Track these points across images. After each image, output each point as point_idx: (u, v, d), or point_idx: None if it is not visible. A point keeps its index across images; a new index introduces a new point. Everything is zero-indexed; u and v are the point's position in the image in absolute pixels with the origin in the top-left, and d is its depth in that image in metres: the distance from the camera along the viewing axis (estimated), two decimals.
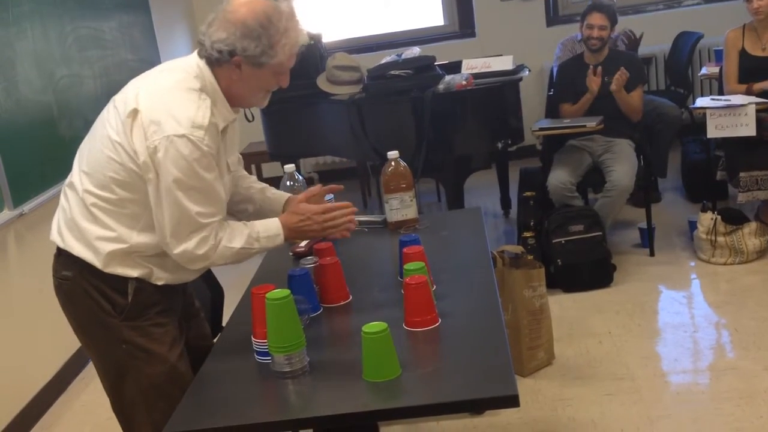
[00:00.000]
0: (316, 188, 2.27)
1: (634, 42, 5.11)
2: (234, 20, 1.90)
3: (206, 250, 1.94)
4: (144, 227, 1.97)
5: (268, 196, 2.29)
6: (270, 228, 2.06)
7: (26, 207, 3.43)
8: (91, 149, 2.00)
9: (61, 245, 2.04)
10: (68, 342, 3.77)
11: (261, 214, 2.21)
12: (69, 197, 2.04)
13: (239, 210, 2.28)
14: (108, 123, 1.97)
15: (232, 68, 1.94)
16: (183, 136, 1.85)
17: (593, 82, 4.18)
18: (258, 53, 1.90)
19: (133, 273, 2.00)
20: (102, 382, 2.13)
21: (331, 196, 2.41)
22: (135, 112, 1.89)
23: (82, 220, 1.99)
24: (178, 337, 2.10)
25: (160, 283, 2.04)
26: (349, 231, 2.19)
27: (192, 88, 1.93)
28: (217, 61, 1.94)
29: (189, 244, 1.92)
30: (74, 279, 2.02)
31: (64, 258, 2.04)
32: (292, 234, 2.11)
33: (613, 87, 4.14)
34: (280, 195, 2.30)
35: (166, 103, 1.90)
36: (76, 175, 2.03)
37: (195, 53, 1.99)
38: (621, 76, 4.11)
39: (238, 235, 1.99)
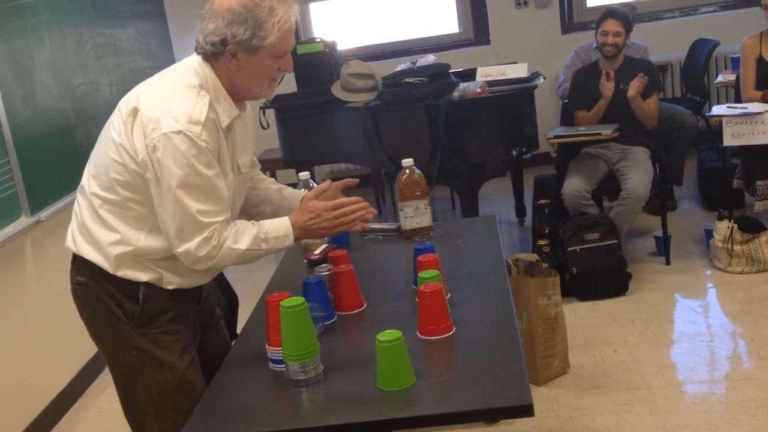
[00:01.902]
0: (326, 184, 2.23)
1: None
2: (220, 10, 1.90)
3: (208, 251, 1.90)
4: (151, 230, 1.97)
5: (284, 195, 2.28)
6: (279, 228, 2.01)
7: (43, 214, 3.45)
8: (98, 153, 2.03)
9: (75, 250, 2.06)
10: (84, 348, 3.79)
11: (278, 214, 2.17)
12: (80, 202, 2.06)
13: (258, 212, 2.26)
14: (112, 126, 1.99)
15: (229, 59, 1.92)
16: (180, 132, 1.84)
17: (607, 88, 4.17)
18: (248, 37, 1.88)
19: (143, 277, 2.00)
20: (115, 387, 2.14)
21: None
22: (135, 111, 1.91)
23: (92, 224, 2.00)
24: (189, 345, 2.09)
25: (171, 287, 2.03)
26: (366, 221, 2.11)
27: (190, 85, 1.93)
28: (213, 55, 1.93)
29: (191, 245, 1.89)
30: (88, 284, 2.04)
31: (78, 263, 2.06)
32: (302, 233, 2.05)
33: (631, 93, 4.13)
34: (296, 194, 2.28)
35: (164, 101, 1.90)
36: (85, 179, 2.05)
37: (194, 54, 1.99)
38: (640, 81, 4.09)
39: (244, 236, 1.95)
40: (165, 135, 1.84)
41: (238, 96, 2.00)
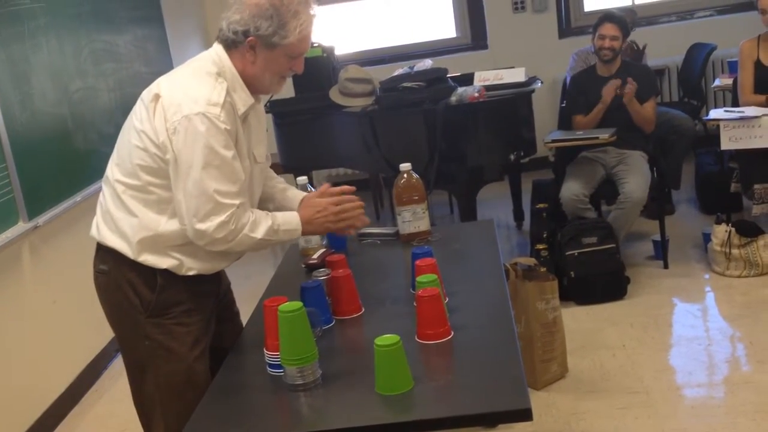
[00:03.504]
0: (325, 186, 2.32)
1: (637, 53, 5.09)
2: (249, 2, 1.99)
3: (225, 234, 1.98)
4: (173, 214, 2.03)
5: (287, 196, 2.36)
6: (290, 221, 2.13)
7: (41, 219, 3.45)
8: (121, 142, 2.11)
9: (98, 238, 2.13)
10: (82, 353, 3.79)
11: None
12: (104, 191, 2.14)
13: (262, 208, 2.31)
14: (134, 115, 2.07)
15: (246, 49, 2.01)
16: (199, 113, 1.93)
17: (608, 92, 4.16)
18: (270, 33, 1.97)
19: (163, 264, 2.06)
20: (127, 375, 2.20)
21: None
22: (157, 97, 2.00)
23: (116, 211, 2.08)
24: (201, 338, 2.14)
25: (191, 273, 2.08)
26: (356, 227, 2.28)
27: (209, 72, 2.02)
28: (233, 43, 2.02)
29: (209, 226, 1.96)
30: (109, 272, 2.11)
31: (101, 252, 2.14)
32: (309, 228, 2.18)
33: (624, 100, 4.14)
34: (298, 195, 2.37)
35: (184, 86, 2.00)
36: (109, 169, 2.13)
37: (215, 42, 2.08)
38: (630, 86, 4.10)
39: (260, 226, 2.05)
40: (186, 117, 1.93)
41: (249, 87, 2.08)
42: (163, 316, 2.09)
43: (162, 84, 2.03)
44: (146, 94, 2.05)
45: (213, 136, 1.93)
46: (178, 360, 2.09)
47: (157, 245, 2.05)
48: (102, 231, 2.12)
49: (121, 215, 2.06)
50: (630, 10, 5.36)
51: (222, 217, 1.96)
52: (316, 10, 2.06)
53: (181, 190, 1.96)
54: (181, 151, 1.94)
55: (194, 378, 2.09)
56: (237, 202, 1.99)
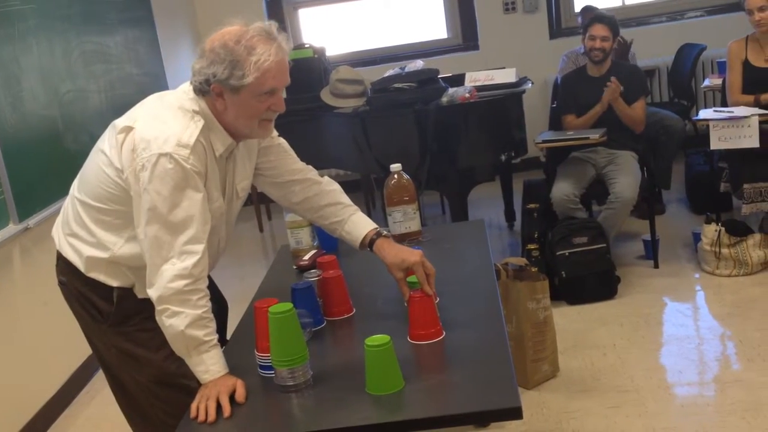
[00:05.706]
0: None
1: (624, 47, 5.11)
2: (207, 50, 1.90)
3: (199, 271, 1.87)
4: (129, 238, 1.99)
5: (343, 235, 2.26)
6: (217, 359, 1.89)
7: (31, 221, 3.44)
8: (90, 159, 2.08)
9: (57, 245, 2.14)
10: (73, 355, 3.78)
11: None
12: (68, 200, 2.14)
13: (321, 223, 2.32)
14: (106, 138, 2.02)
15: (215, 98, 1.92)
16: (167, 154, 1.84)
17: (608, 94, 4.16)
18: (226, 76, 1.86)
19: (114, 282, 2.05)
20: (108, 383, 2.22)
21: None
22: (128, 129, 1.93)
23: (73, 223, 2.08)
24: (166, 341, 2.06)
25: (141, 296, 2.03)
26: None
27: (186, 108, 1.94)
28: (202, 93, 1.93)
29: (168, 268, 1.85)
30: (68, 284, 2.13)
31: (60, 263, 2.15)
32: (207, 386, 1.87)
33: (611, 98, 4.15)
34: (357, 232, 2.23)
35: (157, 122, 1.92)
36: (76, 180, 2.13)
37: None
38: (613, 86, 4.11)
39: (200, 324, 1.87)
40: (153, 155, 1.85)
41: (231, 133, 2.00)
42: (124, 325, 2.08)
43: (138, 117, 1.96)
44: (120, 121, 1.98)
45: (181, 178, 1.85)
46: (147, 364, 2.07)
47: (109, 265, 2.03)
48: (60, 239, 2.12)
49: (75, 228, 2.06)
50: (590, 9, 5.34)
51: (184, 263, 1.85)
52: (283, 40, 1.91)
53: (142, 231, 1.88)
54: (147, 190, 1.85)
55: (168, 379, 2.04)
56: (200, 246, 1.88)
